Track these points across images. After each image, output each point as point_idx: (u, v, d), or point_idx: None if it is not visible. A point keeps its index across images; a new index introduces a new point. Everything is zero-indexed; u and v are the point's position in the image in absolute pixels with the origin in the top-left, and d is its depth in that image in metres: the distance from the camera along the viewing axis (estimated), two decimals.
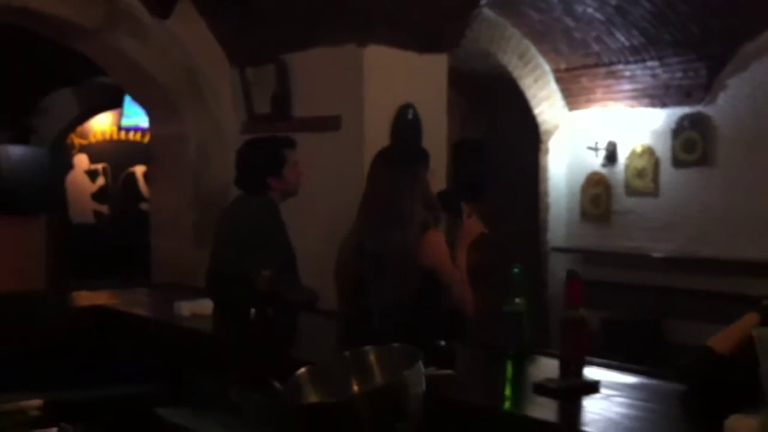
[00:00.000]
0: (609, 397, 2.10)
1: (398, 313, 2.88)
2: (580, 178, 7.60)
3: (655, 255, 6.97)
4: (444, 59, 4.97)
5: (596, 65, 7.13)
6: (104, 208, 10.06)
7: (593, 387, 2.17)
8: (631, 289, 6.98)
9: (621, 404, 2.06)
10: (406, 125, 4.74)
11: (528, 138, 7.63)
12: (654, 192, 7.11)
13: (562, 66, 7.32)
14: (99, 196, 10.04)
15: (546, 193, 7.72)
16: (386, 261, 2.92)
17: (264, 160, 3.61)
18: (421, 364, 1.98)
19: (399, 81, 4.73)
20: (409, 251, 2.91)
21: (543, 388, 2.15)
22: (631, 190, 7.27)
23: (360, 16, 4.56)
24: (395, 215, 2.95)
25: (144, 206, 9.52)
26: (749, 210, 6.44)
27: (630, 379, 2.30)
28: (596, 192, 7.50)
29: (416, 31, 4.69)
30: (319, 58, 4.79)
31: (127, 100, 8.81)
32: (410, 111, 4.77)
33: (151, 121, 5.66)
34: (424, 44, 4.77)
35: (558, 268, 7.52)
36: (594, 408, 2.02)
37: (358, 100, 4.64)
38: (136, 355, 3.20)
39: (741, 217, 6.49)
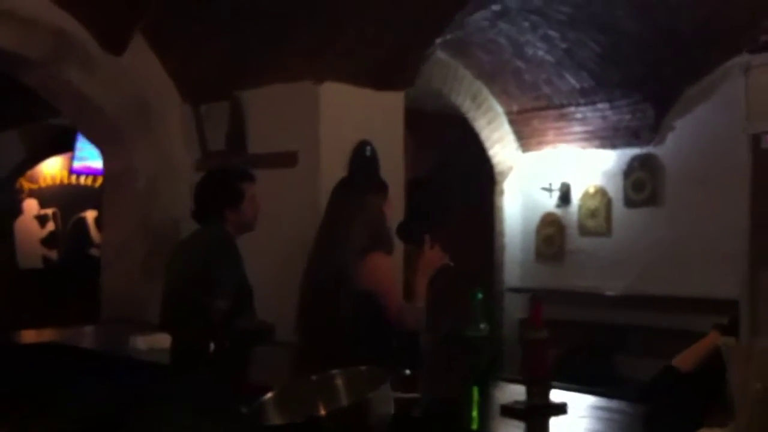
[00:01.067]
0: (577, 417, 2.09)
1: (335, 336, 2.91)
2: (535, 219, 7.68)
3: (607, 293, 7.04)
4: (401, 96, 5.00)
5: (547, 107, 7.26)
6: (53, 254, 9.85)
7: (561, 408, 2.16)
8: (584, 327, 7.02)
9: (588, 423, 2.05)
10: (363, 162, 4.74)
11: (483, 178, 7.70)
12: (606, 231, 7.21)
13: (514, 108, 7.44)
14: (48, 241, 9.83)
15: (501, 234, 7.78)
16: (325, 285, 3.06)
17: (222, 192, 3.61)
18: (388, 385, 1.96)
19: (356, 118, 4.74)
20: (344, 276, 3.01)
21: (510, 410, 2.14)
22: (584, 230, 7.37)
23: (316, 53, 4.58)
24: (335, 241, 3.12)
25: (94, 252, 9.35)
26: (695, 247, 6.56)
27: (595, 400, 2.30)
28: (550, 232, 7.58)
29: (372, 68, 4.71)
30: (275, 94, 4.77)
31: (80, 142, 8.70)
32: (368, 148, 4.77)
33: (102, 156, 5.59)
34: (381, 81, 4.79)
35: (513, 308, 7.55)
36: (562, 428, 2.00)
37: (314, 137, 4.63)
38: (89, 393, 3.11)
39: (687, 255, 6.59)
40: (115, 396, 2.98)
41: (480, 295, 2.53)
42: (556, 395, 2.24)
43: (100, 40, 4.85)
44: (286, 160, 4.71)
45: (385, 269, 3.07)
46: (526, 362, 2.29)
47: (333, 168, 4.59)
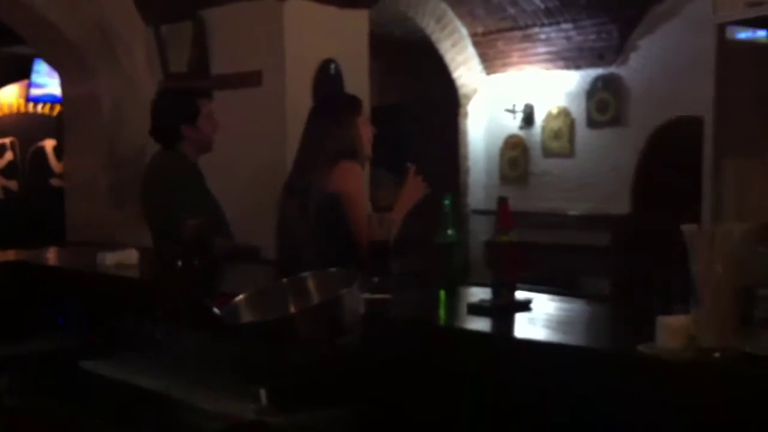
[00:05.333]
0: (541, 313, 2.14)
1: (311, 247, 3.00)
2: (499, 141, 7.71)
3: (572, 213, 7.13)
4: (365, 15, 4.95)
5: (512, 29, 7.23)
6: (13, 184, 9.68)
7: (525, 305, 2.21)
8: (549, 249, 7.12)
9: (552, 317, 2.10)
10: (328, 80, 4.71)
11: (447, 101, 7.69)
12: (570, 153, 7.26)
13: (479, 30, 7.39)
14: (7, 171, 9.65)
15: (466, 157, 7.81)
16: (301, 199, 3.11)
17: (177, 108, 3.59)
18: (357, 284, 1.99)
19: (320, 36, 4.69)
20: (314, 183, 3.07)
21: (477, 308, 2.18)
22: (548, 152, 7.42)
23: None
24: (314, 158, 3.14)
25: (55, 182, 9.21)
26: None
27: (560, 301, 2.35)
28: (514, 154, 7.63)
29: None
30: (238, 13, 4.70)
31: (36, 69, 8.48)
32: (332, 66, 4.74)
33: (62, 82, 5.48)
34: None
35: (478, 230, 7.62)
36: (526, 321, 2.06)
37: (278, 56, 4.58)
38: (57, 309, 3.11)
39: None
40: (87, 311, 2.99)
41: (448, 202, 2.56)
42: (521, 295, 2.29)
43: None
44: (251, 79, 4.67)
45: (355, 175, 3.10)
46: (493, 264, 2.33)
47: (298, 87, 4.57)
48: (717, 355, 1.58)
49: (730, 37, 3.10)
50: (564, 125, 7.27)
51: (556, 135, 7.33)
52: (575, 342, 1.86)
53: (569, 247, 7.09)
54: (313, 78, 4.66)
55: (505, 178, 7.72)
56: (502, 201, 2.43)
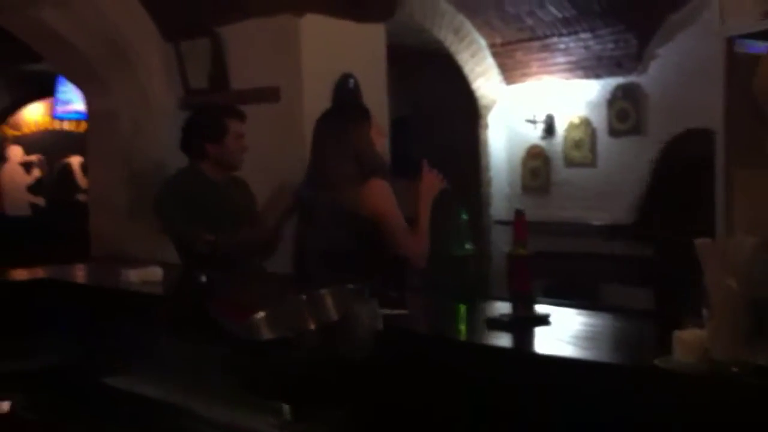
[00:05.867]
0: (560, 327, 2.15)
1: (331, 265, 2.94)
2: (520, 151, 7.71)
3: (594, 223, 7.10)
4: (381, 29, 4.98)
5: (530, 39, 7.23)
6: (40, 200, 9.85)
7: (544, 319, 2.22)
8: (572, 258, 7.10)
9: (572, 331, 2.11)
10: (347, 94, 4.74)
11: (466, 112, 7.70)
12: (591, 162, 7.25)
13: (498, 40, 7.41)
14: (35, 188, 9.82)
15: (487, 168, 7.81)
16: (316, 217, 3.06)
17: (205, 125, 3.62)
18: (375, 302, 2.02)
19: (337, 51, 4.73)
20: (338, 207, 2.98)
21: (496, 322, 2.20)
22: (569, 161, 7.41)
23: None
24: (322, 174, 3.06)
25: (81, 197, 9.35)
26: None
27: (579, 314, 2.36)
28: (536, 164, 7.62)
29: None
30: (255, 29, 4.74)
31: (61, 86, 8.63)
32: (350, 80, 4.77)
33: (85, 98, 5.57)
34: (361, 13, 4.77)
35: (501, 241, 7.61)
36: (545, 336, 2.07)
37: (296, 71, 4.62)
38: (81, 325, 3.15)
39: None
40: (113, 328, 3.03)
41: (464, 215, 2.57)
42: (541, 308, 2.30)
43: None
44: (269, 95, 4.70)
45: (386, 194, 2.99)
46: (511, 277, 2.34)
47: (316, 102, 4.57)
48: (734, 369, 1.58)
49: (739, 50, 3.09)
50: (585, 135, 7.26)
51: (577, 144, 7.31)
52: (592, 357, 1.86)
53: (592, 256, 7.06)
54: (332, 92, 4.70)
55: (526, 188, 7.71)
56: (519, 214, 2.43)
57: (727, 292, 1.61)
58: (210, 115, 3.71)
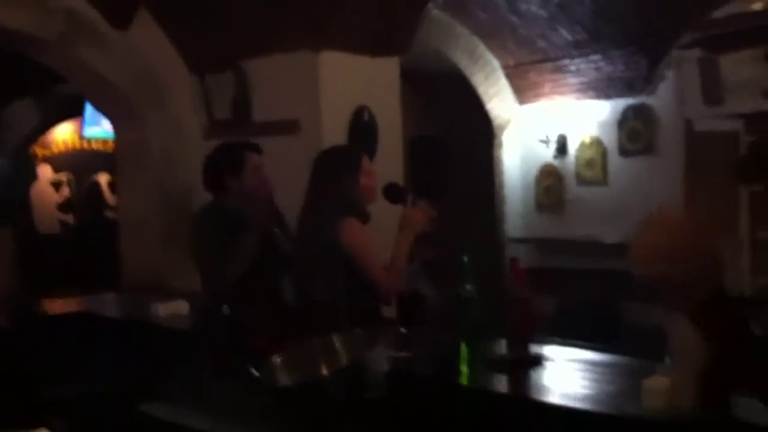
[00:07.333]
0: (554, 367, 2.35)
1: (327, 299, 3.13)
2: (534, 170, 7.89)
3: (606, 241, 7.26)
4: (396, 62, 5.19)
5: (543, 60, 7.41)
6: (69, 218, 10.13)
7: (537, 360, 2.42)
8: (587, 275, 7.26)
9: (564, 372, 2.31)
10: (362, 127, 4.95)
11: (481, 133, 7.89)
12: (603, 181, 7.42)
13: (511, 62, 7.59)
14: (64, 206, 10.11)
15: (501, 185, 7.99)
16: (310, 252, 3.24)
17: (223, 159, 3.78)
18: (382, 346, 2.23)
19: (354, 84, 4.93)
20: (326, 243, 3.15)
21: (493, 364, 2.41)
22: (581, 180, 7.58)
23: (313, 22, 4.75)
24: (314, 212, 3.28)
25: (109, 215, 9.62)
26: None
27: (572, 353, 2.55)
28: (549, 183, 7.80)
29: (369, 36, 4.90)
30: (276, 64, 4.96)
31: (89, 110, 8.90)
32: (366, 112, 4.98)
33: (114, 128, 5.80)
34: (377, 48, 4.99)
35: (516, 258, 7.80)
36: (539, 378, 2.27)
37: (314, 104, 4.83)
38: (113, 358, 3.36)
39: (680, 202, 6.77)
40: (139, 363, 3.24)
41: (466, 259, 2.77)
42: (541, 349, 2.49)
43: (106, 16, 5.04)
44: (289, 127, 4.91)
45: (359, 233, 3.16)
46: (510, 320, 2.54)
47: (334, 133, 4.79)
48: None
49: (697, 129, 3.23)
50: (597, 154, 7.43)
51: (589, 164, 7.49)
52: (568, 403, 2.03)
53: (605, 273, 7.20)
54: (348, 125, 4.91)
55: (540, 206, 7.89)
56: (514, 260, 2.64)
57: (690, 341, 1.79)
58: (227, 150, 3.84)
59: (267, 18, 4.85)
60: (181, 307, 3.41)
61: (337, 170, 3.31)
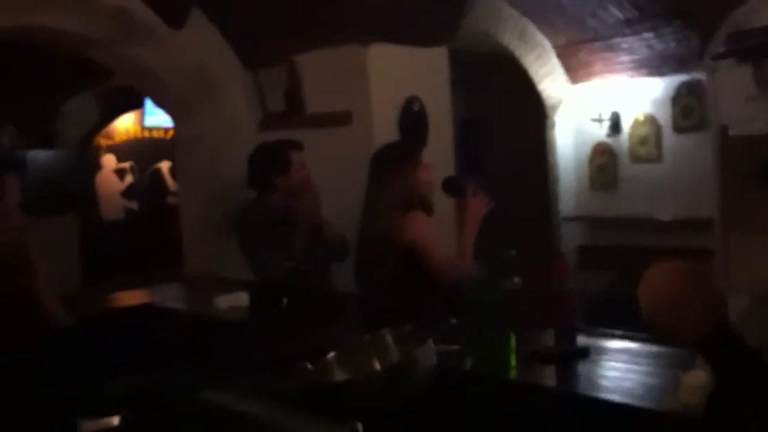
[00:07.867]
0: (600, 360, 2.42)
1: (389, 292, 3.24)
2: (587, 149, 7.89)
3: (661, 218, 7.25)
4: (444, 51, 5.26)
5: (594, 39, 7.37)
6: (133, 205, 10.46)
7: (584, 352, 2.50)
8: (641, 251, 7.24)
9: (609, 366, 2.38)
10: (412, 117, 5.05)
11: (534, 113, 7.90)
12: (657, 158, 7.39)
13: (562, 41, 7.57)
14: (128, 193, 10.44)
15: (555, 165, 8.01)
16: (372, 245, 3.36)
17: (269, 161, 3.93)
18: (431, 341, 2.33)
19: (403, 76, 5.02)
20: (387, 237, 3.26)
21: (539, 355, 2.50)
22: (635, 158, 7.55)
23: (362, 17, 4.85)
24: (374, 208, 3.38)
25: (171, 200, 9.92)
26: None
27: (618, 343, 2.62)
28: (602, 161, 7.79)
29: (415, 27, 4.98)
30: (327, 57, 5.08)
31: (148, 101, 9.14)
32: (416, 103, 5.07)
33: (174, 123, 5.98)
34: (424, 39, 5.06)
35: (570, 236, 7.84)
36: (585, 370, 2.35)
37: (365, 96, 4.94)
38: (176, 351, 3.52)
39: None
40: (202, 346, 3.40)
41: (513, 253, 2.84)
42: (586, 341, 2.57)
43: (160, 15, 5.17)
44: (342, 118, 5.03)
45: (423, 226, 3.26)
46: (552, 313, 2.62)
47: (385, 124, 4.91)
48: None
49: (732, 133, 3.24)
50: (650, 131, 7.39)
51: (643, 141, 7.46)
52: (610, 396, 2.12)
53: (659, 250, 7.20)
54: (399, 115, 5.00)
55: (594, 184, 7.89)
56: (558, 254, 2.72)
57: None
58: (272, 150, 4.01)
59: (316, 15, 4.95)
60: (241, 299, 3.56)
61: (397, 166, 3.41)
